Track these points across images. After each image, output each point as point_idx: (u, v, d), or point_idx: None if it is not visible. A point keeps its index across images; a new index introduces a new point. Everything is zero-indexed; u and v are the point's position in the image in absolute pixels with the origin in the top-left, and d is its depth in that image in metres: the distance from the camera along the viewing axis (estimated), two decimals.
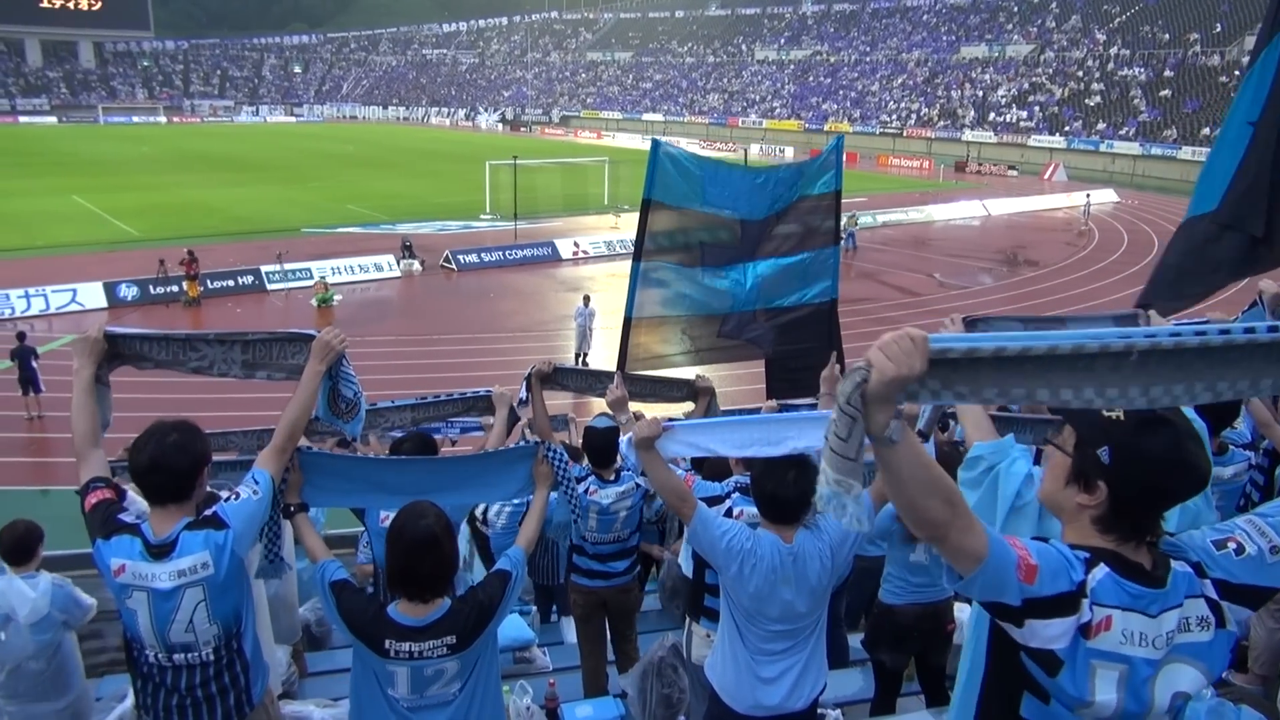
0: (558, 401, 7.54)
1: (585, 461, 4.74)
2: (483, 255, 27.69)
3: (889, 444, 1.64)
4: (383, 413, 4.66)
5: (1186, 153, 53.90)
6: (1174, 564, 1.88)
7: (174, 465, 2.74)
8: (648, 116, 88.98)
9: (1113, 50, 66.77)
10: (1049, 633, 1.77)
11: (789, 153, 61.20)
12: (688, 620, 4.16)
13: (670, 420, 3.07)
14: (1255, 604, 1.93)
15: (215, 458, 3.43)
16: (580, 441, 5.18)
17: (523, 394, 4.67)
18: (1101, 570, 1.81)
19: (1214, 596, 1.87)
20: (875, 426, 1.62)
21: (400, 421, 4.74)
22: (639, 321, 4.99)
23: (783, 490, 3.14)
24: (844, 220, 28.03)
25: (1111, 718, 1.81)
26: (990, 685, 2.00)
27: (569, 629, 6.40)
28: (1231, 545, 1.92)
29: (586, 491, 4.59)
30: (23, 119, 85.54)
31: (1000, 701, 1.96)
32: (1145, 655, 1.80)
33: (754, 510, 3.59)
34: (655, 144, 4.65)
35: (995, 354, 1.61)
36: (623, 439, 3.21)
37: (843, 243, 31.83)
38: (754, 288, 5.25)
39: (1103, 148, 58.46)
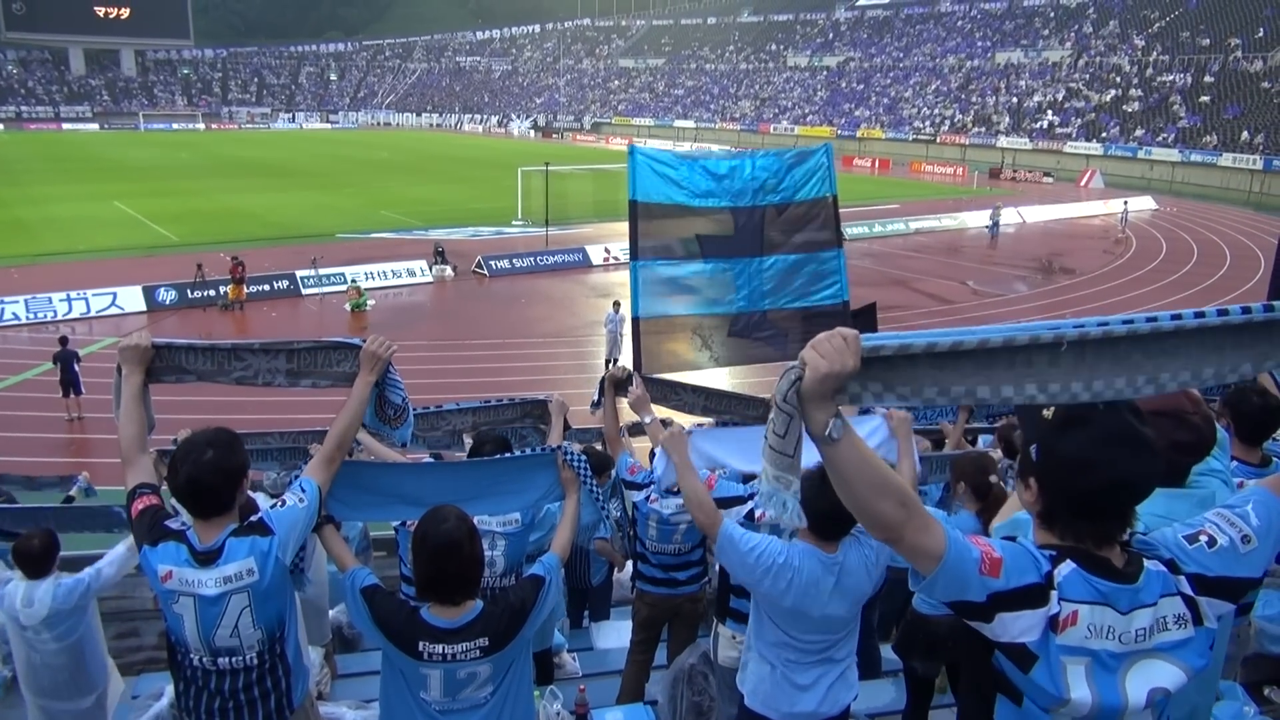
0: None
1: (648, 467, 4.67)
2: (514, 261, 27.83)
3: (830, 442, 1.67)
4: (445, 415, 4.70)
5: (1227, 159, 52.99)
6: (1147, 563, 1.86)
7: (211, 484, 2.76)
8: (679, 123, 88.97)
9: (1152, 56, 65.81)
10: (1019, 625, 1.78)
11: None
12: (714, 622, 4.14)
13: (695, 428, 3.06)
14: (1233, 596, 1.90)
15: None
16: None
17: (595, 398, 4.65)
18: (1068, 566, 1.81)
19: (1189, 593, 1.85)
20: (815, 425, 1.67)
21: (461, 425, 4.76)
22: (649, 321, 4.95)
23: (838, 506, 3.13)
24: (990, 211, 28.26)
25: (1087, 717, 1.79)
26: (965, 691, 1.99)
27: (600, 634, 6.40)
28: (1203, 538, 1.91)
29: (648, 499, 4.55)
30: (66, 126, 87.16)
31: (974, 706, 1.95)
32: (1109, 649, 1.79)
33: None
34: (632, 149, 4.69)
35: (928, 349, 1.63)
36: (658, 451, 3.20)
37: (988, 231, 31.54)
38: (760, 286, 5.20)
39: (1141, 154, 57.54)
